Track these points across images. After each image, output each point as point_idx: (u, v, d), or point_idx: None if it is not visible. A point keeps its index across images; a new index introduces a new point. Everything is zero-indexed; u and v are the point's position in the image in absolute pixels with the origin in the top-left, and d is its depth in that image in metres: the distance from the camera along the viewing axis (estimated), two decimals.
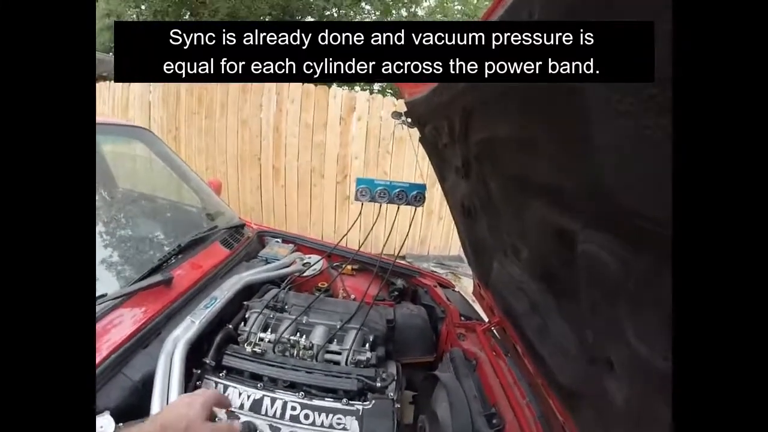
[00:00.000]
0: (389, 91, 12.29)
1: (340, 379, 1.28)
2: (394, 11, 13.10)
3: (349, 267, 2.12)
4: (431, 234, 5.94)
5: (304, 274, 1.85)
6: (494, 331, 1.66)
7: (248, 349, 1.34)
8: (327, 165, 5.36)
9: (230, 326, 1.45)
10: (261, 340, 1.39)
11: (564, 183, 0.74)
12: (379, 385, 1.29)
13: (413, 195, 1.62)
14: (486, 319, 1.77)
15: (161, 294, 1.45)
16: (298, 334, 1.43)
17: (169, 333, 1.29)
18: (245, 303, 1.56)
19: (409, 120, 1.59)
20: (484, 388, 1.40)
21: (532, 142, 0.78)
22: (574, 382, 0.95)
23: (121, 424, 0.97)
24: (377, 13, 12.86)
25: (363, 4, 12.29)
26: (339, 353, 1.41)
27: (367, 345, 1.45)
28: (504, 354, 1.51)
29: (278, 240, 2.24)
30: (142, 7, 10.62)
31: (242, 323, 1.49)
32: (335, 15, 12.72)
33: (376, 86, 14.26)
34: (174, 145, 5.67)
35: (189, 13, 10.82)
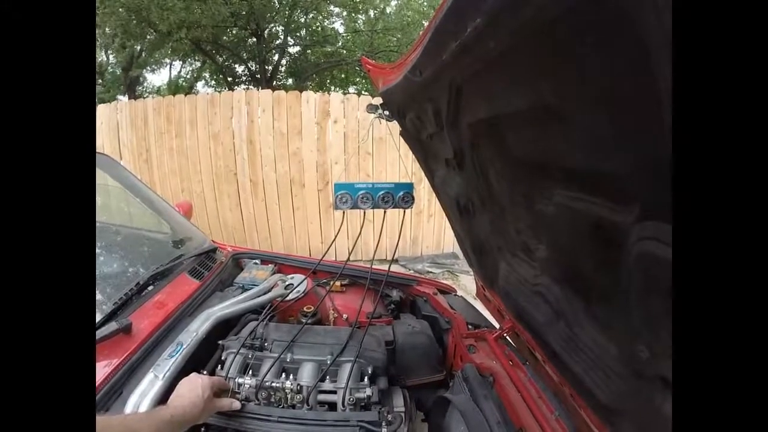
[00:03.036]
0: (365, 92, 12.20)
1: (337, 429, 1.08)
2: (362, 13, 13.02)
3: (337, 283, 1.91)
4: (423, 233, 5.77)
5: (287, 298, 1.64)
6: (507, 337, 1.49)
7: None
8: (306, 173, 5.16)
9: (204, 372, 1.24)
10: (240, 385, 1.19)
11: (606, 162, 0.55)
12: (385, 430, 1.09)
13: (400, 196, 1.42)
14: (495, 324, 1.60)
15: (120, 344, 1.25)
16: (283, 376, 1.23)
17: (131, 392, 1.11)
18: (221, 342, 1.35)
19: (387, 112, 1.40)
20: (507, 408, 1.23)
21: (556, 112, 0.58)
22: (615, 399, 0.79)
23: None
24: (344, 13, 12.74)
25: (330, 6, 12.14)
26: (334, 392, 1.21)
27: (366, 378, 1.25)
28: (522, 363, 1.36)
29: (256, 261, 2.03)
30: (107, 29, 10.36)
31: (219, 366, 1.28)
32: (303, 20, 12.61)
33: (351, 87, 14.22)
34: (146, 168, 5.47)
35: (151, 30, 10.56)
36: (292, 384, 1.19)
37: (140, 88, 16.71)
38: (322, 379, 1.23)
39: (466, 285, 4.61)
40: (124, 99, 12.75)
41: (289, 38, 13.20)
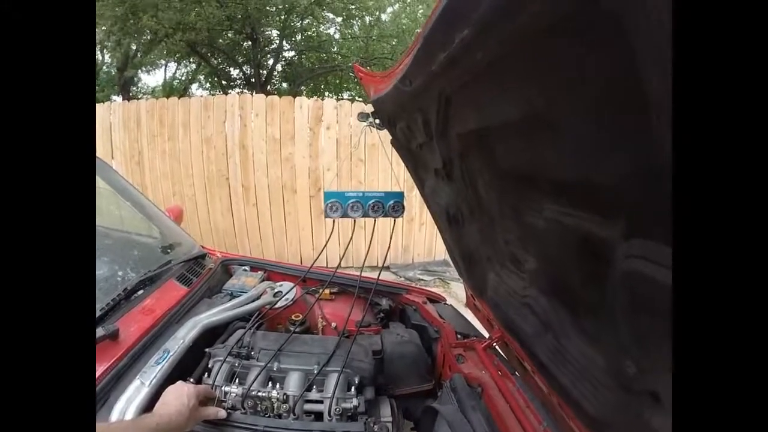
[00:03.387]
0: (359, 98, 12.22)
1: None
2: (357, 19, 13.07)
3: (326, 291, 1.90)
4: (414, 241, 5.76)
5: (276, 306, 1.62)
6: (496, 347, 1.48)
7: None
8: (298, 179, 5.15)
9: (191, 379, 1.22)
10: (227, 394, 1.18)
11: (595, 174, 0.55)
12: None
13: (390, 205, 1.42)
14: (485, 334, 1.60)
15: (107, 350, 1.23)
16: (270, 384, 1.22)
17: (117, 398, 1.09)
18: (207, 350, 1.33)
19: (378, 121, 1.40)
20: (495, 419, 1.22)
21: (545, 122, 0.58)
22: (604, 411, 0.79)
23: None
24: (339, 19, 12.77)
25: (325, 12, 12.17)
26: (320, 402, 1.20)
27: (353, 388, 1.24)
28: (510, 373, 1.35)
29: (246, 268, 2.02)
30: (103, 27, 10.32)
31: (205, 374, 1.27)
32: (298, 25, 12.62)
33: (345, 93, 14.24)
34: (138, 170, 5.43)
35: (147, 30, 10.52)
36: (278, 393, 1.18)
37: (134, 88, 16.66)
38: (309, 389, 1.22)
39: (457, 293, 4.60)
40: (118, 99, 12.69)
41: (284, 43, 13.22)
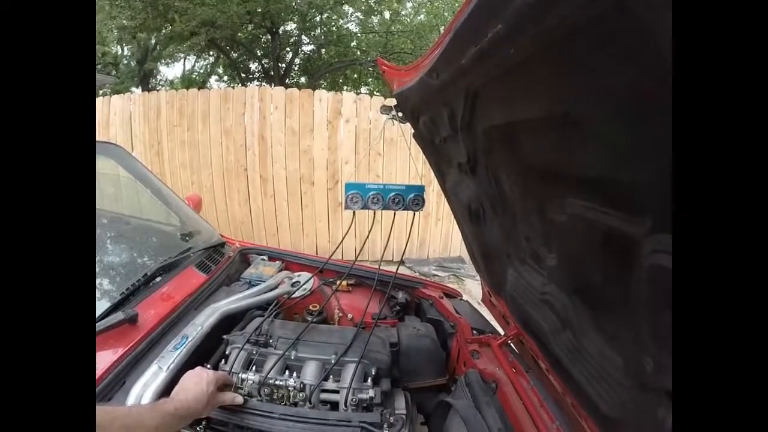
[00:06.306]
0: (377, 92, 12.20)
1: (338, 428, 1.08)
2: (377, 14, 13.03)
3: (344, 283, 1.91)
4: (430, 236, 5.76)
5: (294, 296, 1.64)
6: (511, 344, 1.48)
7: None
8: (316, 172, 5.17)
9: (208, 366, 1.25)
10: (243, 381, 1.20)
11: (621, 172, 0.54)
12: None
13: (411, 198, 1.42)
14: (500, 330, 1.59)
15: (125, 335, 1.26)
16: (286, 373, 1.24)
17: (134, 382, 1.11)
18: (225, 337, 1.35)
19: (401, 114, 1.40)
20: (508, 416, 1.21)
21: (572, 121, 0.58)
22: (617, 409, 0.78)
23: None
24: (359, 14, 12.75)
25: (345, 6, 12.16)
26: (337, 392, 1.21)
27: (369, 379, 1.25)
28: (525, 371, 1.34)
29: (264, 257, 2.03)
30: (124, 21, 10.43)
31: (222, 361, 1.28)
32: (318, 19, 12.62)
33: (364, 87, 14.22)
34: (157, 160, 5.50)
35: (168, 25, 10.59)
36: (295, 382, 1.19)
37: (154, 80, 16.85)
38: (326, 378, 1.23)
39: (472, 290, 4.59)
40: (137, 91, 12.84)
41: (303, 37, 13.24)
